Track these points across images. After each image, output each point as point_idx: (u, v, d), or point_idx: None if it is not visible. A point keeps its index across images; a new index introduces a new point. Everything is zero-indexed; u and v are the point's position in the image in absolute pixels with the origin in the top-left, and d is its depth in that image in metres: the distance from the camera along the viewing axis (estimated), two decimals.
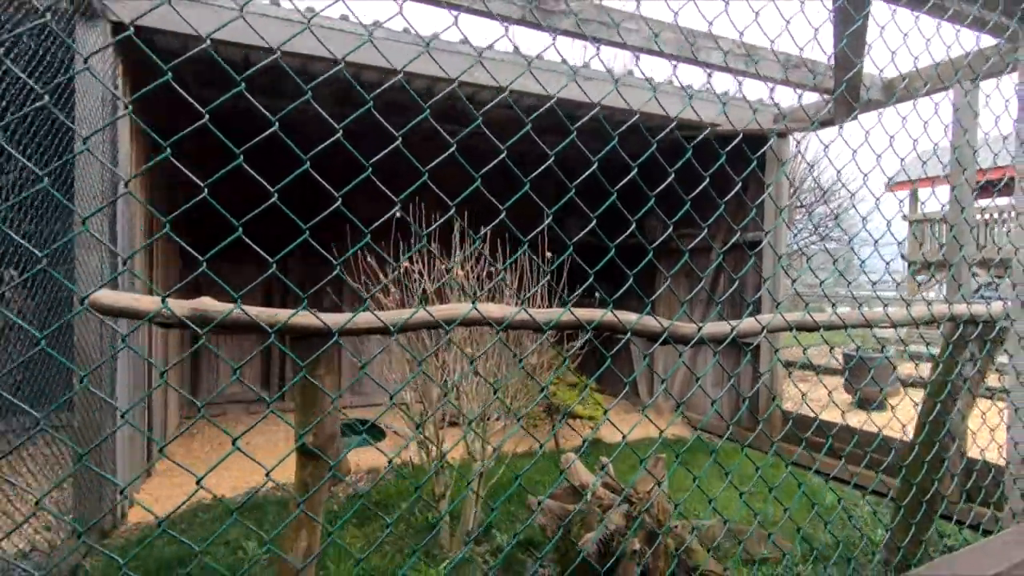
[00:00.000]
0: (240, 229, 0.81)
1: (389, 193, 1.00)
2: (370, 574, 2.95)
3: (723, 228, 5.79)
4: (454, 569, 2.96)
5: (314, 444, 1.19)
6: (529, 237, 1.19)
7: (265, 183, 0.83)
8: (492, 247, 2.86)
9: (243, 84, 0.76)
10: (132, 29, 0.71)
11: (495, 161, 0.99)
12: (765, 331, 1.47)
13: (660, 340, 1.27)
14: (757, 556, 2.93)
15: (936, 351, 2.30)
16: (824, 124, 3.78)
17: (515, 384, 3.28)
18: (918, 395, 2.40)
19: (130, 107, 0.78)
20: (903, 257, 11.98)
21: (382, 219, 1.00)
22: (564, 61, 1.23)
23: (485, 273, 3.19)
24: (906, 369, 7.86)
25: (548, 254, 3.09)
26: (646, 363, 5.64)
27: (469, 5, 1.97)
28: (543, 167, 1.07)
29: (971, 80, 2.43)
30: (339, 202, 0.87)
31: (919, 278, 11.84)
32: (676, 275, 6.35)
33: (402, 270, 3.10)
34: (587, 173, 1.08)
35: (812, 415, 5.19)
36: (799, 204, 10.20)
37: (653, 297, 1.18)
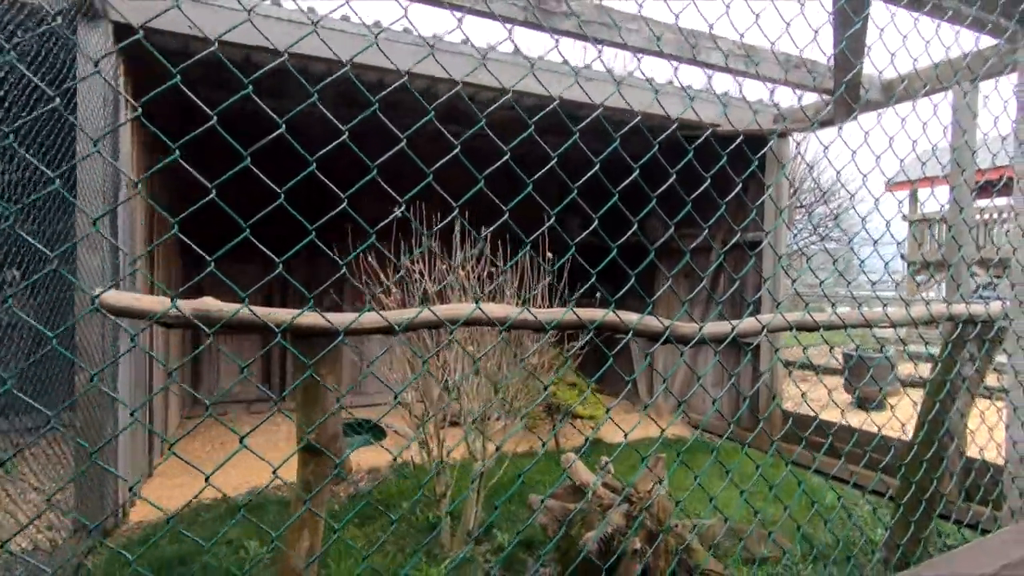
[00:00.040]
0: (247, 230, 0.82)
1: (394, 194, 1.01)
2: (372, 573, 2.96)
3: (723, 228, 5.80)
4: (455, 568, 2.97)
5: (316, 443, 1.20)
6: (532, 237, 1.19)
7: (272, 184, 0.84)
8: (492, 247, 2.87)
9: (251, 87, 0.77)
10: (142, 33, 0.72)
11: (499, 163, 1.00)
12: (765, 331, 1.48)
13: (662, 340, 1.28)
14: (757, 555, 2.94)
15: (935, 351, 2.31)
16: (824, 124, 3.79)
17: (515, 384, 3.29)
18: (917, 395, 2.41)
19: (140, 109, 0.78)
20: (902, 257, 12.00)
21: (387, 219, 1.01)
22: (566, 63, 1.24)
23: (486, 273, 3.20)
24: (906, 369, 7.88)
25: (549, 254, 3.10)
26: (647, 363, 5.64)
27: (472, 6, 1.98)
28: (546, 168, 1.08)
29: (970, 81, 2.44)
30: (345, 203, 0.88)
31: (918, 278, 11.85)
32: (676, 275, 6.37)
33: (401, 269, 3.11)
34: (590, 174, 1.09)
35: (812, 414, 5.20)
36: (799, 204, 10.21)
37: (654, 297, 1.19)
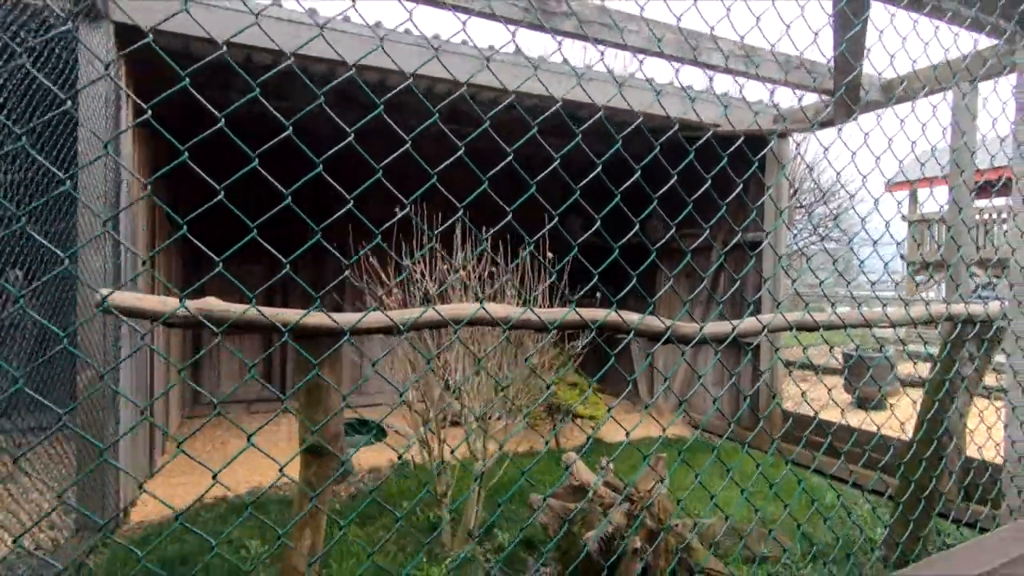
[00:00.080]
0: (255, 231, 0.83)
1: (399, 195, 1.02)
2: (373, 573, 2.97)
3: (723, 229, 5.82)
4: (457, 568, 2.98)
5: (323, 442, 1.21)
6: (535, 238, 1.20)
7: (279, 186, 0.85)
8: (493, 246, 2.88)
9: (258, 90, 0.78)
10: (151, 36, 0.73)
11: (502, 164, 1.01)
12: (766, 331, 1.49)
13: (663, 340, 1.29)
14: (757, 554, 2.95)
15: (934, 351, 2.32)
16: (824, 125, 3.81)
17: (516, 383, 3.30)
18: (916, 394, 2.42)
19: (150, 112, 0.79)
20: (902, 258, 12.01)
21: (392, 220, 1.01)
22: (568, 64, 1.25)
23: (487, 273, 3.21)
24: (905, 368, 7.89)
25: (549, 254, 3.11)
26: (647, 363, 5.65)
27: (473, 7, 1.99)
28: (549, 169, 1.09)
29: (969, 82, 2.45)
30: (351, 204, 0.89)
31: (918, 278, 11.87)
32: (676, 275, 6.38)
33: (403, 270, 3.12)
34: (592, 175, 1.10)
35: (811, 414, 5.21)
36: (799, 205, 10.23)
37: (655, 297, 1.20)
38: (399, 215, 0.96)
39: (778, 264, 4.92)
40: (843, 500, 3.29)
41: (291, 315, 0.99)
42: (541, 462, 4.38)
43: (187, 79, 0.72)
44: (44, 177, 3.01)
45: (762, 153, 1.45)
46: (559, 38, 1.22)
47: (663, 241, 1.34)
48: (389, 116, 0.86)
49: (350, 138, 0.84)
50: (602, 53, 1.29)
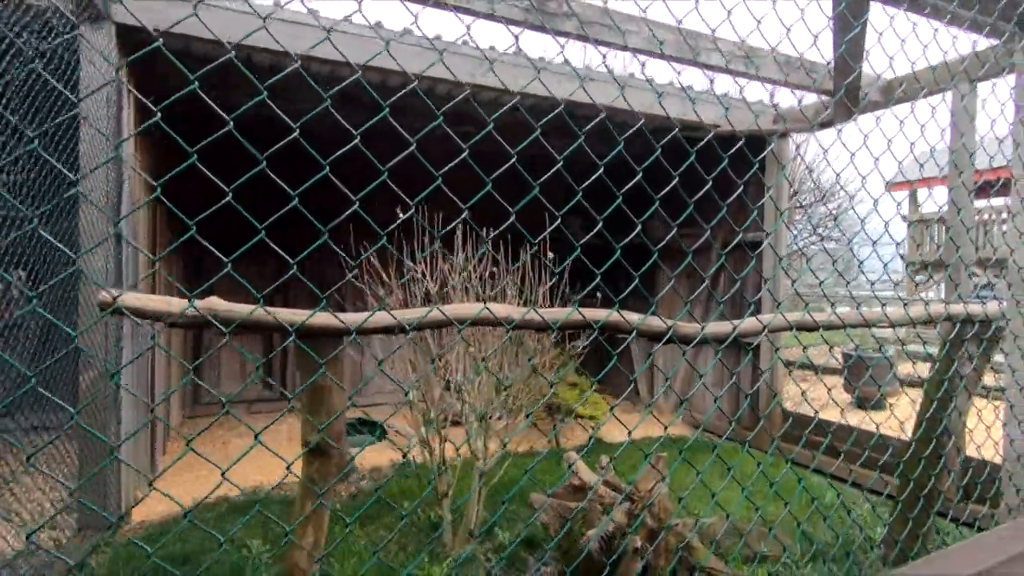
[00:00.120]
0: (263, 232, 0.84)
1: (404, 197, 1.03)
2: (375, 572, 2.98)
3: (723, 229, 5.83)
4: (458, 567, 2.99)
5: (329, 441, 1.22)
6: (538, 239, 1.21)
7: (286, 187, 0.86)
8: (493, 246, 2.89)
9: (266, 93, 0.79)
10: (161, 41, 0.74)
11: (506, 165, 1.02)
12: (766, 331, 1.50)
13: (664, 340, 1.30)
14: (757, 553, 2.97)
15: (934, 351, 2.34)
16: (824, 125, 3.82)
17: (517, 383, 3.31)
18: (915, 394, 2.43)
19: (160, 115, 0.80)
20: (901, 258, 12.03)
21: (398, 221, 1.02)
22: (570, 66, 1.26)
23: (488, 273, 3.22)
24: (905, 368, 7.91)
25: (550, 254, 3.13)
26: (648, 362, 5.68)
27: (474, 8, 2.00)
28: (553, 170, 1.10)
29: (968, 83, 2.46)
30: (356, 205, 0.90)
31: (917, 278, 11.89)
32: (677, 275, 6.38)
33: (406, 270, 3.13)
34: (594, 177, 1.11)
35: (811, 414, 5.22)
36: (799, 205, 10.25)
37: (657, 297, 1.21)
38: (405, 216, 0.97)
39: (778, 264, 4.93)
40: (843, 499, 3.30)
41: (298, 315, 1.00)
42: (541, 462, 4.39)
43: (196, 83, 0.73)
44: (47, 178, 3.02)
45: (762, 155, 1.46)
46: (562, 41, 1.23)
47: (665, 242, 1.35)
48: (394, 118, 0.87)
49: (356, 140, 0.85)
50: (604, 56, 1.30)
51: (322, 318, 1.01)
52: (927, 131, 1.63)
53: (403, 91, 0.96)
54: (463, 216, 1.03)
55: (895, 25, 1.59)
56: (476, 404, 3.12)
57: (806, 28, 1.31)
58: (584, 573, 2.48)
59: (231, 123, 0.76)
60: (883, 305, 1.85)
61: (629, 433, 1.16)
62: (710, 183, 1.20)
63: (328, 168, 0.83)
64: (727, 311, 5.61)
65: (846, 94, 2.11)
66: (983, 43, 2.12)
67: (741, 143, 1.33)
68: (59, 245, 0.74)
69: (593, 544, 2.42)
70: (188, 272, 5.99)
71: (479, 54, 4.05)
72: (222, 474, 0.82)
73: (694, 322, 1.43)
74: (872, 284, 1.72)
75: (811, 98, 4.12)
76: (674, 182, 1.22)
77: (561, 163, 1.07)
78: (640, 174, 1.16)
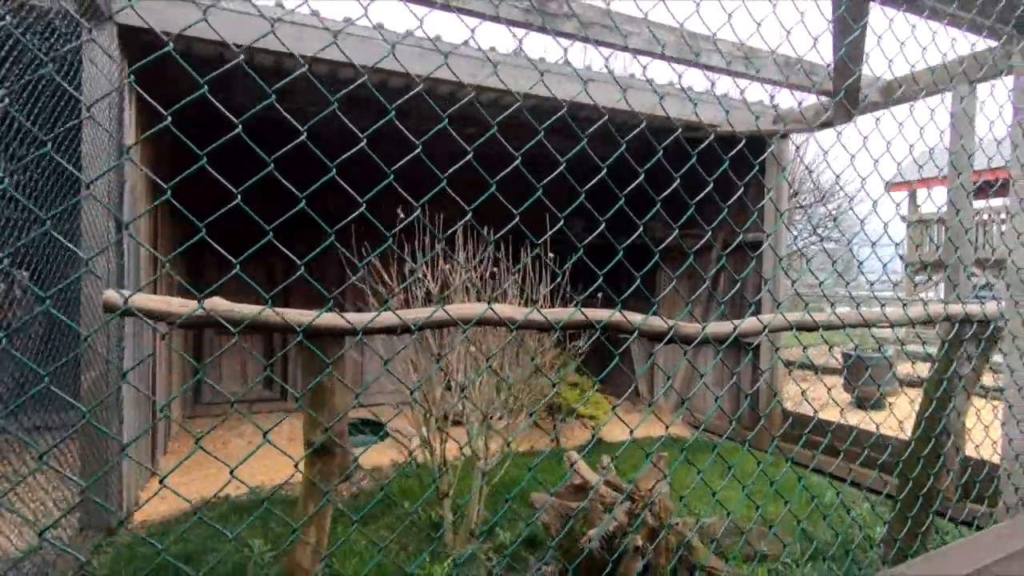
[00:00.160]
0: (271, 233, 0.85)
1: (409, 198, 1.04)
2: (377, 571, 2.99)
3: (723, 229, 5.84)
4: (459, 566, 3.00)
5: (335, 440, 1.23)
6: (542, 240, 1.23)
7: (294, 189, 0.87)
8: (494, 246, 2.90)
9: (274, 96, 0.80)
10: (171, 46, 0.75)
11: (510, 167, 1.03)
12: (767, 331, 1.51)
13: (666, 340, 1.32)
14: (757, 552, 2.98)
15: (933, 351, 2.35)
16: (824, 126, 3.83)
17: (518, 383, 3.32)
18: (914, 394, 2.45)
19: (170, 118, 0.80)
20: (901, 258, 12.04)
21: (404, 222, 1.04)
22: (572, 68, 1.27)
23: (489, 273, 3.23)
24: (904, 368, 7.92)
25: (551, 254, 3.14)
26: (649, 363, 5.69)
27: (474, 8, 2.01)
28: (556, 172, 1.11)
29: (967, 85, 2.47)
30: (363, 207, 0.91)
31: (917, 279, 11.91)
32: (678, 276, 6.40)
33: (407, 271, 3.14)
34: (596, 179, 1.12)
35: (811, 414, 5.24)
36: (798, 205, 10.26)
37: (659, 298, 1.22)
38: (410, 217, 0.98)
39: (778, 265, 4.95)
40: (842, 498, 3.31)
41: (305, 316, 1.01)
42: (542, 461, 4.40)
43: (205, 87, 0.74)
44: (49, 179, 3.03)
45: (762, 157, 1.47)
46: (564, 43, 1.24)
47: (667, 243, 1.36)
48: (396, 120, 0.88)
49: (363, 143, 0.86)
50: (606, 59, 1.31)
51: (329, 318, 1.02)
52: (926, 132, 1.65)
53: (409, 94, 0.97)
54: (467, 218, 1.04)
55: (894, 27, 1.60)
56: (477, 404, 3.13)
57: (806, 31, 1.33)
58: (585, 572, 2.49)
59: (240, 126, 0.77)
60: (882, 305, 1.86)
61: (631, 432, 1.18)
62: (711, 185, 1.21)
63: (335, 171, 0.84)
64: (727, 311, 5.63)
65: (846, 96, 2.12)
66: (981, 45, 2.14)
67: (742, 144, 1.34)
68: (71, 247, 0.75)
69: (594, 543, 2.43)
70: (185, 271, 6.00)
71: (480, 55, 4.06)
72: (231, 472, 0.83)
73: (695, 322, 1.44)
74: (871, 284, 1.73)
75: (811, 99, 4.14)
76: (675, 183, 1.23)
77: (564, 165, 1.08)
78: (642, 176, 1.17)
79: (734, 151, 1.36)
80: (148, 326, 4.12)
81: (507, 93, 4.50)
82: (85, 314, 3.23)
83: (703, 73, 2.02)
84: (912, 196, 12.26)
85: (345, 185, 0.90)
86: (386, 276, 3.27)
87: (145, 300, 1.04)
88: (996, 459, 2.21)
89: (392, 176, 0.88)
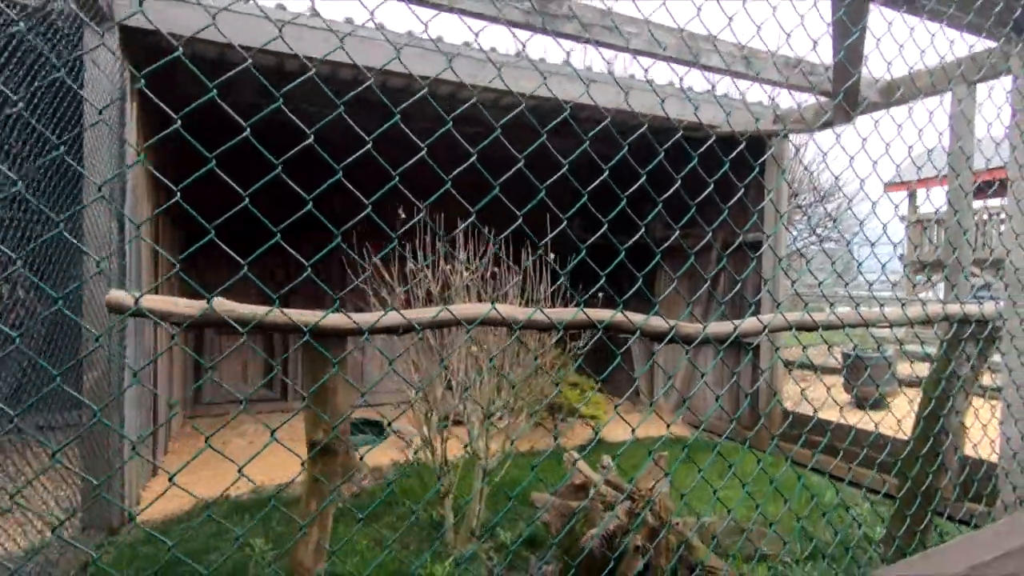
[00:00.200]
0: (278, 235, 0.86)
1: (413, 199, 1.05)
2: (378, 570, 3.00)
3: (723, 229, 5.85)
4: (460, 565, 3.01)
5: (341, 440, 1.24)
6: (544, 241, 1.24)
7: (301, 191, 0.88)
8: (495, 246, 2.91)
9: (281, 100, 0.81)
10: (181, 50, 0.76)
11: (513, 169, 1.04)
12: (766, 331, 1.52)
13: (667, 340, 1.33)
14: (757, 550, 2.99)
15: (932, 350, 2.36)
16: (824, 126, 3.84)
17: (520, 383, 3.33)
18: (912, 393, 2.46)
19: (180, 122, 0.81)
20: (900, 259, 12.06)
21: (409, 223, 1.05)
22: (573, 69, 1.28)
23: (489, 273, 3.24)
24: (904, 368, 7.94)
25: (551, 254, 3.15)
26: (650, 363, 5.70)
27: (480, 11, 2.02)
28: (559, 174, 1.12)
29: (965, 86, 2.49)
30: (369, 209, 0.92)
31: (917, 279, 11.93)
32: (679, 276, 6.42)
33: (408, 271, 3.15)
34: (599, 181, 1.13)
35: (810, 413, 5.25)
36: (798, 206, 10.28)
37: (660, 298, 1.23)
38: (416, 219, 1.00)
39: (778, 265, 4.96)
40: (842, 497, 3.33)
41: (312, 316, 1.02)
42: (543, 461, 4.42)
43: (215, 91, 0.75)
44: (52, 179, 3.03)
45: (763, 159, 1.48)
46: (567, 47, 1.25)
47: (668, 244, 1.37)
48: (387, 120, 0.89)
49: (368, 146, 0.87)
50: (608, 63, 1.32)
51: (336, 319, 1.03)
52: (925, 133, 1.66)
53: (413, 97, 0.98)
54: (471, 219, 1.05)
55: (893, 28, 1.61)
56: (479, 403, 3.14)
57: (805, 34, 1.34)
58: (586, 571, 2.50)
59: (248, 130, 0.78)
60: (881, 305, 1.87)
61: (633, 431, 1.19)
62: (712, 186, 1.22)
63: (341, 173, 0.86)
64: (727, 311, 5.64)
65: (845, 97, 2.13)
66: (980, 46, 2.15)
67: (742, 146, 1.35)
68: (84, 248, 0.76)
69: (595, 542, 2.44)
70: (192, 272, 6.01)
71: (481, 55, 4.07)
72: (239, 470, 0.84)
73: (696, 322, 1.45)
74: (870, 285, 1.74)
75: (811, 99, 4.15)
76: (676, 185, 1.24)
77: (567, 167, 1.10)
78: (644, 177, 1.19)
79: (734, 153, 1.37)
80: (149, 325, 4.13)
81: (507, 93, 4.51)
82: (87, 314, 3.24)
83: (702, 74, 2.03)
84: (911, 196, 12.29)
85: (352, 187, 0.91)
86: (387, 276, 3.28)
87: (151, 300, 1.05)
88: (994, 458, 2.22)
89: (397, 179, 0.89)
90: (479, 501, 3.25)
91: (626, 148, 1.10)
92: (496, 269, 3.26)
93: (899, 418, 2.02)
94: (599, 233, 1.20)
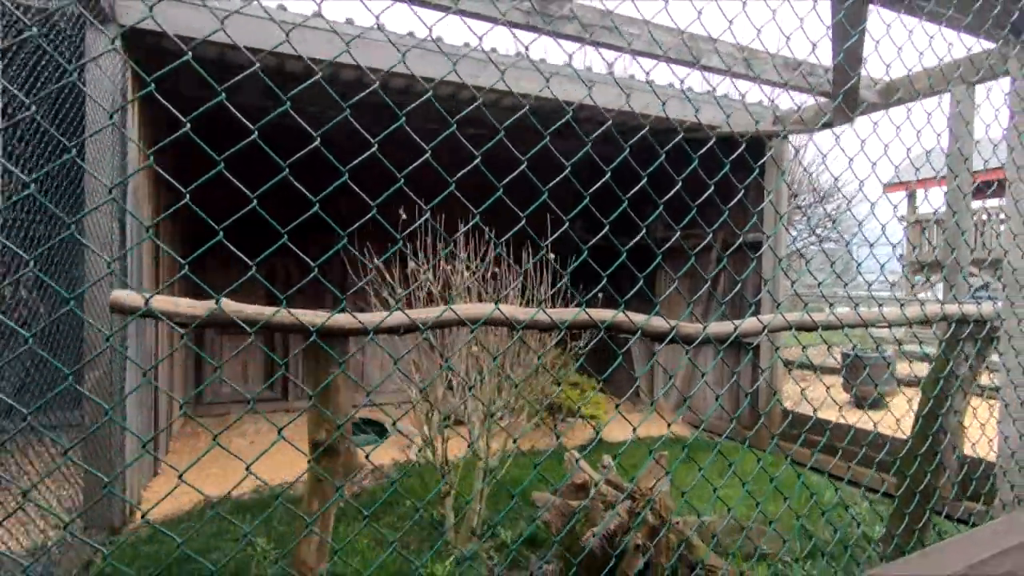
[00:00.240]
0: (285, 236, 0.87)
1: (417, 200, 1.07)
2: (379, 570, 3.01)
3: (723, 230, 5.87)
4: (461, 565, 3.02)
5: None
6: (547, 241, 1.25)
7: (307, 193, 0.89)
8: (494, 246, 2.92)
9: (289, 103, 0.82)
10: (190, 55, 0.77)
11: (516, 171, 1.06)
12: (766, 331, 1.54)
13: (667, 340, 1.34)
14: (757, 548, 3.00)
15: (931, 350, 2.38)
16: (824, 127, 3.85)
17: (522, 383, 3.35)
18: (911, 393, 2.47)
19: (189, 125, 0.82)
20: (899, 259, 12.09)
21: (414, 225, 1.06)
22: (575, 71, 1.29)
23: (490, 274, 3.26)
24: (903, 368, 7.96)
25: (551, 255, 3.16)
26: (651, 363, 5.71)
27: (481, 12, 2.03)
28: (562, 176, 1.14)
29: (964, 88, 2.50)
30: (375, 211, 0.93)
31: (916, 279, 11.95)
32: (680, 276, 6.43)
33: (409, 272, 3.16)
34: (601, 182, 1.15)
35: (810, 413, 5.26)
36: (797, 206, 10.30)
37: (661, 298, 1.25)
38: (420, 221, 1.01)
39: (778, 266, 4.98)
40: (841, 496, 3.35)
41: (318, 316, 1.03)
42: (539, 461, 4.43)
43: (223, 94, 0.76)
44: (54, 181, 3.04)
45: (762, 160, 1.50)
46: (569, 50, 1.26)
47: (669, 244, 1.38)
48: (387, 120, 0.90)
49: (374, 148, 0.88)
50: (610, 66, 1.33)
51: (342, 319, 1.04)
52: (924, 134, 1.67)
53: (418, 101, 0.99)
54: (474, 220, 1.06)
55: (893, 29, 1.63)
56: (479, 403, 3.16)
57: (805, 37, 1.35)
58: (587, 570, 2.51)
59: (255, 133, 0.79)
60: (880, 305, 1.89)
61: (634, 430, 1.20)
62: (712, 187, 1.23)
63: (347, 175, 0.87)
64: (727, 311, 5.65)
65: (844, 99, 2.15)
66: (978, 47, 2.16)
67: (743, 148, 1.36)
68: (94, 249, 0.77)
69: (596, 541, 2.45)
70: (193, 272, 6.01)
71: (483, 56, 4.08)
72: (247, 468, 0.85)
73: (696, 323, 1.46)
74: (870, 285, 1.76)
75: (810, 101, 4.16)
76: (677, 187, 1.26)
77: (569, 169, 1.11)
78: (645, 179, 1.20)
79: (735, 154, 1.38)
80: (150, 326, 4.14)
81: (508, 94, 4.52)
82: (89, 314, 3.25)
83: (702, 75, 2.04)
84: (911, 197, 12.31)
85: (357, 189, 0.92)
86: (388, 276, 3.29)
87: (158, 301, 1.06)
88: (992, 457, 2.23)
89: (402, 180, 0.91)
90: (480, 500, 3.26)
91: (628, 150, 1.11)
92: (497, 269, 3.28)
93: (898, 417, 2.04)
94: (601, 234, 1.21)
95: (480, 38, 0.99)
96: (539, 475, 4.21)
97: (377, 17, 0.89)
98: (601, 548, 2.48)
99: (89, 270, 3.24)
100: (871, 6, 1.78)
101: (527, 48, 1.04)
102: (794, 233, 10.28)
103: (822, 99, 3.32)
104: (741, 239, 4.48)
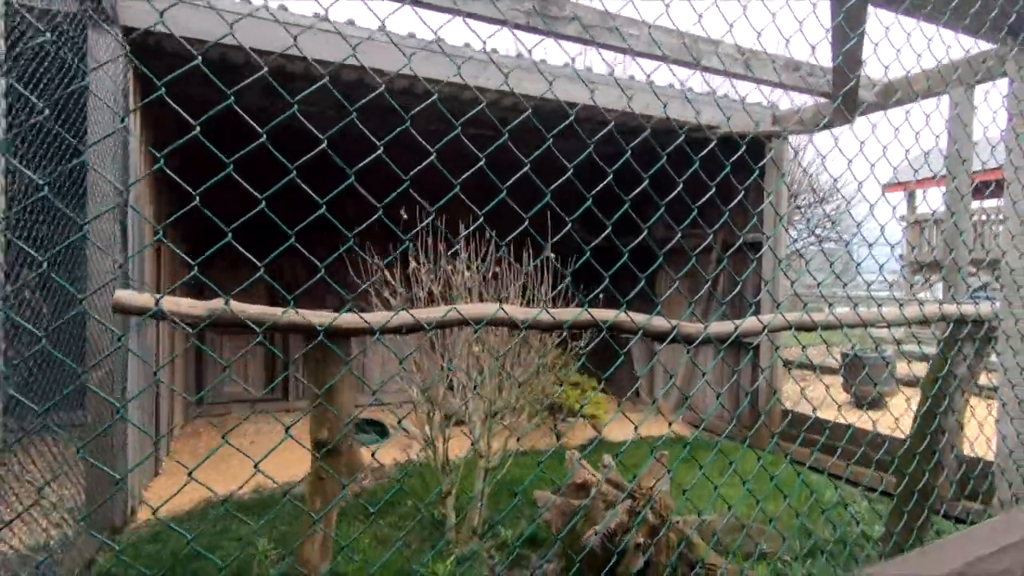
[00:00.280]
0: (293, 237, 0.88)
1: (422, 202, 1.08)
2: (381, 569, 3.02)
3: (723, 230, 5.88)
4: (462, 563, 3.03)
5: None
6: (550, 242, 1.26)
7: (314, 195, 0.90)
8: (494, 247, 2.94)
9: (296, 106, 0.84)
10: (200, 58, 0.78)
11: (519, 173, 1.07)
12: (766, 330, 1.55)
13: (668, 339, 1.35)
14: (757, 545, 3.02)
15: (929, 350, 2.39)
16: (824, 127, 3.87)
17: (523, 383, 3.36)
18: (910, 392, 2.49)
19: (198, 128, 0.83)
20: (898, 259, 12.10)
21: (420, 226, 1.07)
22: (576, 72, 1.30)
23: (491, 274, 3.27)
24: (902, 368, 7.97)
25: (551, 255, 3.17)
26: (652, 363, 5.73)
27: (482, 13, 2.04)
28: (564, 178, 1.15)
29: (962, 88, 2.51)
30: (380, 212, 0.95)
31: (916, 279, 11.97)
32: (680, 277, 6.44)
33: (411, 272, 3.18)
34: (603, 184, 1.16)
35: (809, 413, 5.28)
36: (797, 207, 10.31)
37: (662, 298, 1.26)
38: (425, 222, 1.02)
39: (778, 266, 4.99)
40: (840, 495, 3.36)
41: (325, 316, 1.04)
42: (540, 460, 4.44)
43: (232, 98, 0.78)
44: (56, 182, 3.05)
45: (763, 162, 1.51)
46: (571, 52, 1.27)
47: (671, 245, 1.39)
48: (388, 120, 0.91)
49: (380, 151, 0.89)
50: (611, 70, 1.34)
51: (349, 319, 1.05)
52: (922, 136, 1.68)
53: (425, 103, 1.00)
54: (479, 222, 1.08)
55: (892, 29, 1.64)
56: (480, 403, 3.17)
57: (804, 39, 1.36)
58: (587, 569, 2.52)
59: (264, 135, 0.80)
60: (879, 305, 1.90)
61: (636, 429, 1.21)
62: (713, 189, 1.25)
63: (353, 177, 0.88)
64: (728, 311, 5.66)
65: (844, 100, 2.16)
66: (977, 49, 2.18)
67: (743, 149, 1.37)
68: (102, 248, 0.78)
69: (596, 540, 2.47)
70: (182, 273, 6.02)
71: (484, 57, 4.10)
72: (255, 465, 0.86)
73: (697, 322, 1.47)
74: (869, 285, 1.77)
75: (809, 101, 4.18)
76: (679, 188, 1.27)
77: (572, 171, 1.12)
78: (647, 181, 1.21)
79: (735, 156, 1.39)
80: (151, 326, 4.15)
81: (508, 94, 4.53)
82: (92, 314, 3.25)
83: (702, 76, 2.05)
84: (910, 197, 12.33)
85: (364, 192, 0.93)
86: (389, 276, 3.30)
87: (165, 302, 1.07)
88: (991, 456, 2.25)
89: (408, 182, 0.92)
90: (481, 500, 3.27)
91: (629, 152, 1.13)
92: (498, 269, 3.29)
93: (897, 417, 2.05)
94: (603, 235, 1.22)
95: (484, 41, 1.00)
96: (540, 474, 4.22)
97: (382, 21, 0.90)
98: (602, 547, 2.49)
99: (91, 271, 3.24)
100: (870, 7, 1.79)
101: (530, 51, 1.06)
102: (794, 233, 10.30)
103: (821, 100, 3.33)
104: (741, 240, 4.50)
